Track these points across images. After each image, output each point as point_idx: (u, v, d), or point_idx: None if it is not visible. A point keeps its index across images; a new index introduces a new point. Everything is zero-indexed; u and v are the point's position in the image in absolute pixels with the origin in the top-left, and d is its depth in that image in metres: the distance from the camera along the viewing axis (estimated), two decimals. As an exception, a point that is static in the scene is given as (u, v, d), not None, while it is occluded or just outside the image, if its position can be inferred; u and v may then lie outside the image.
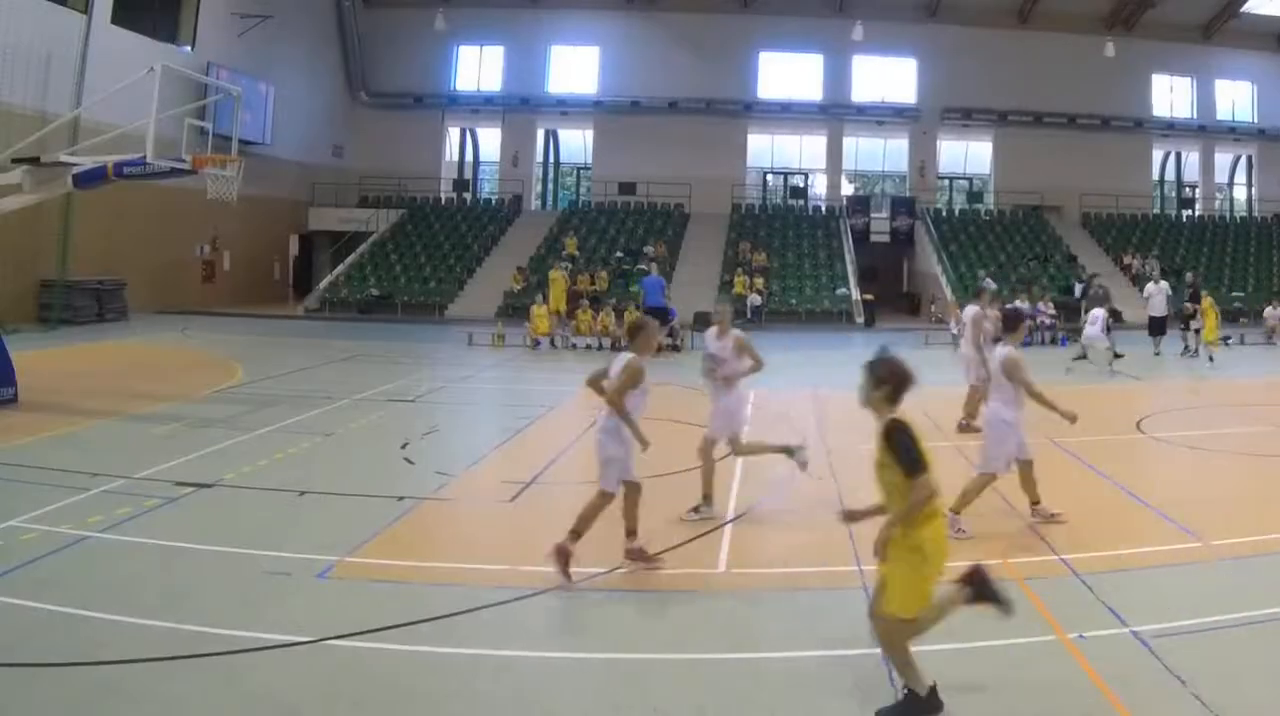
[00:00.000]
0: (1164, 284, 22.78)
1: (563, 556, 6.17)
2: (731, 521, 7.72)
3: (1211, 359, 19.15)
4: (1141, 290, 24.88)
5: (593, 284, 27.99)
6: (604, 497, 6.45)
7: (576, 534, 6.28)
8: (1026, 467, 7.68)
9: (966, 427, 11.65)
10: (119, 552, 6.68)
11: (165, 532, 7.12)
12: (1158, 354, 21.08)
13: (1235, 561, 6.57)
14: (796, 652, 5.21)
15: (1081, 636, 5.28)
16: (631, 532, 6.54)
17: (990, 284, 25.53)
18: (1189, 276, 23.69)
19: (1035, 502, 7.68)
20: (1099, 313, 17.82)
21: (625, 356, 6.66)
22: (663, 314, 22.51)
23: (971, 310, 12.56)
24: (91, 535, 6.97)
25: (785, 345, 22.39)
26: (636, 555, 6.50)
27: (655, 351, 7.40)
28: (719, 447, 8.13)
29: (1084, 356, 18.06)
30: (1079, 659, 5.03)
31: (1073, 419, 7.45)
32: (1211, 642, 5.22)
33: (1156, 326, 21.49)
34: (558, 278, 24.25)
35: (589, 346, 21.97)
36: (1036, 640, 5.30)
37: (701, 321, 21.72)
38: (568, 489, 9.17)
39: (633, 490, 6.58)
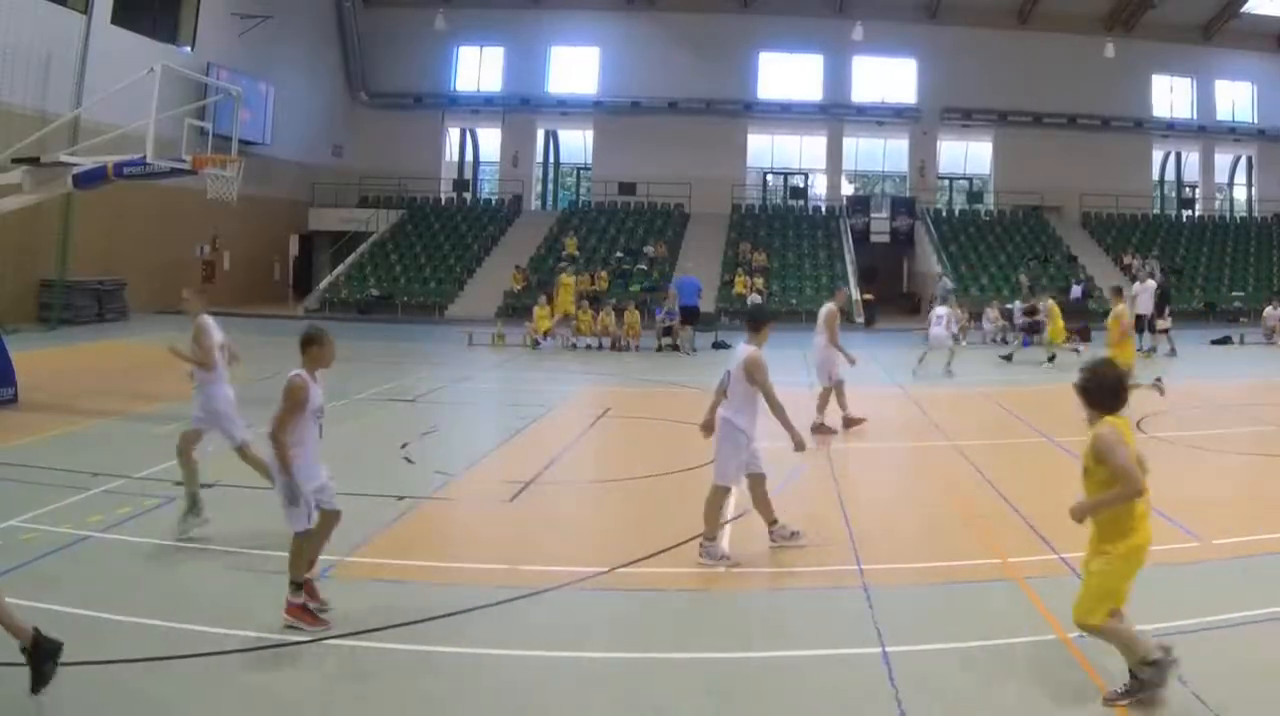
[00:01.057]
0: (1150, 283, 22.87)
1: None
2: (731, 521, 7.72)
3: (1052, 359, 18.93)
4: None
5: (593, 284, 27.98)
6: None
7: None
8: (758, 482, 6.84)
9: (820, 428, 11.20)
10: (119, 552, 6.68)
11: (165, 532, 7.12)
12: (1148, 349, 21.23)
13: (1235, 561, 6.58)
14: (797, 652, 5.21)
15: (1082, 636, 5.28)
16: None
17: (948, 283, 25.52)
18: (1153, 269, 23.71)
19: (772, 523, 6.86)
20: (943, 311, 17.33)
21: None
22: (695, 313, 22.60)
23: (828, 308, 12.18)
24: (91, 535, 6.98)
25: (785, 345, 22.40)
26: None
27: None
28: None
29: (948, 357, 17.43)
30: (1079, 658, 5.03)
31: (800, 446, 6.78)
32: (1211, 642, 5.22)
33: (1145, 324, 21.66)
34: (569, 282, 24.27)
35: (589, 346, 21.97)
36: (1036, 640, 5.30)
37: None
38: (568, 489, 9.19)
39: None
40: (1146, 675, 4.44)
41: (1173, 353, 20.46)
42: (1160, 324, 20.80)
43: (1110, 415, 4.68)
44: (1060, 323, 19.74)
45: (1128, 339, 13.94)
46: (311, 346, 5.69)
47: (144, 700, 4.60)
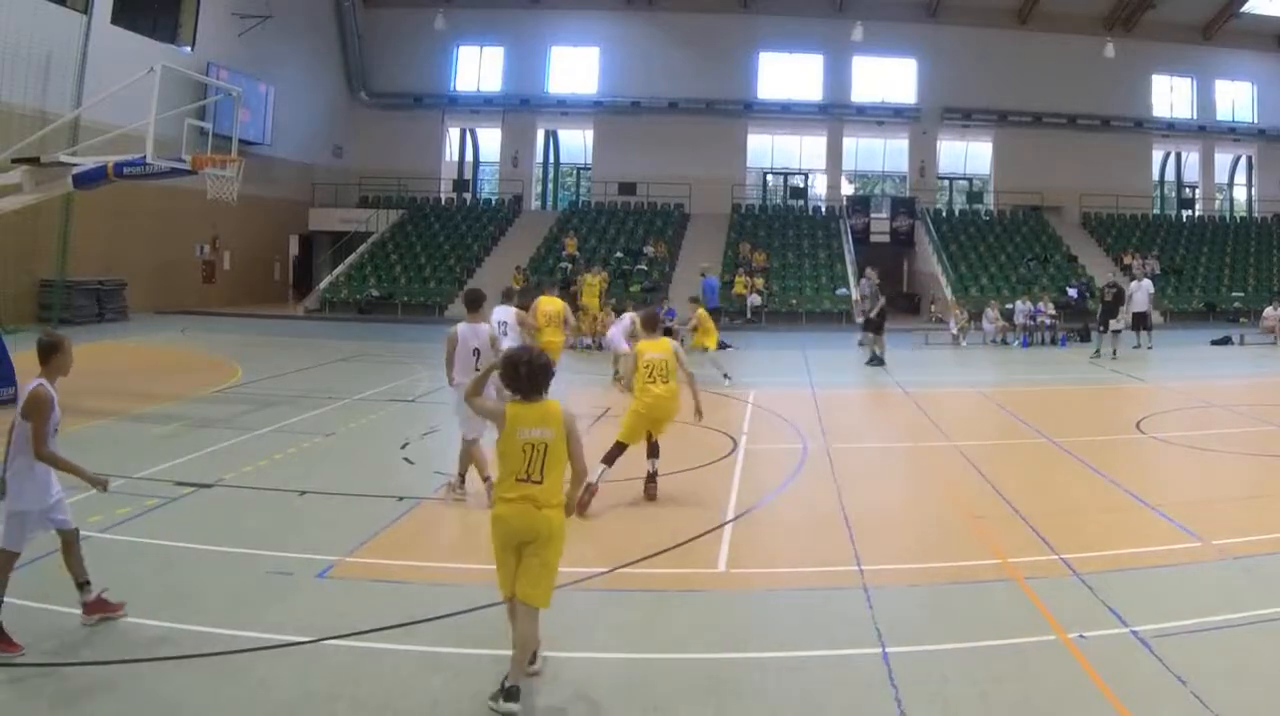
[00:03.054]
0: (1147, 282, 22.99)
1: None
2: (731, 521, 7.72)
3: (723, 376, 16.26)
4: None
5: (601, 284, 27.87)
6: None
7: None
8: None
9: None
10: (119, 552, 6.68)
11: (165, 532, 7.12)
12: (1138, 347, 21.51)
13: (1235, 561, 6.57)
14: (796, 652, 5.21)
15: (1082, 636, 5.28)
16: None
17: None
18: (1111, 276, 23.70)
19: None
20: (627, 317, 15.56)
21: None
22: (716, 314, 22.71)
23: (626, 320, 12.36)
24: (91, 535, 6.96)
25: (785, 345, 22.41)
26: None
27: None
28: None
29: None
30: (1079, 659, 5.03)
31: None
32: (1211, 642, 5.22)
33: (1139, 321, 22.07)
34: (594, 282, 24.28)
35: (589, 346, 21.97)
36: (1036, 640, 5.30)
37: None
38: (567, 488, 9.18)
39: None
40: None
41: (1114, 355, 20.43)
42: (1113, 325, 20.89)
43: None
44: (712, 329, 16.97)
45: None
46: (55, 354, 5.34)
47: (145, 700, 4.61)
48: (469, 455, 8.20)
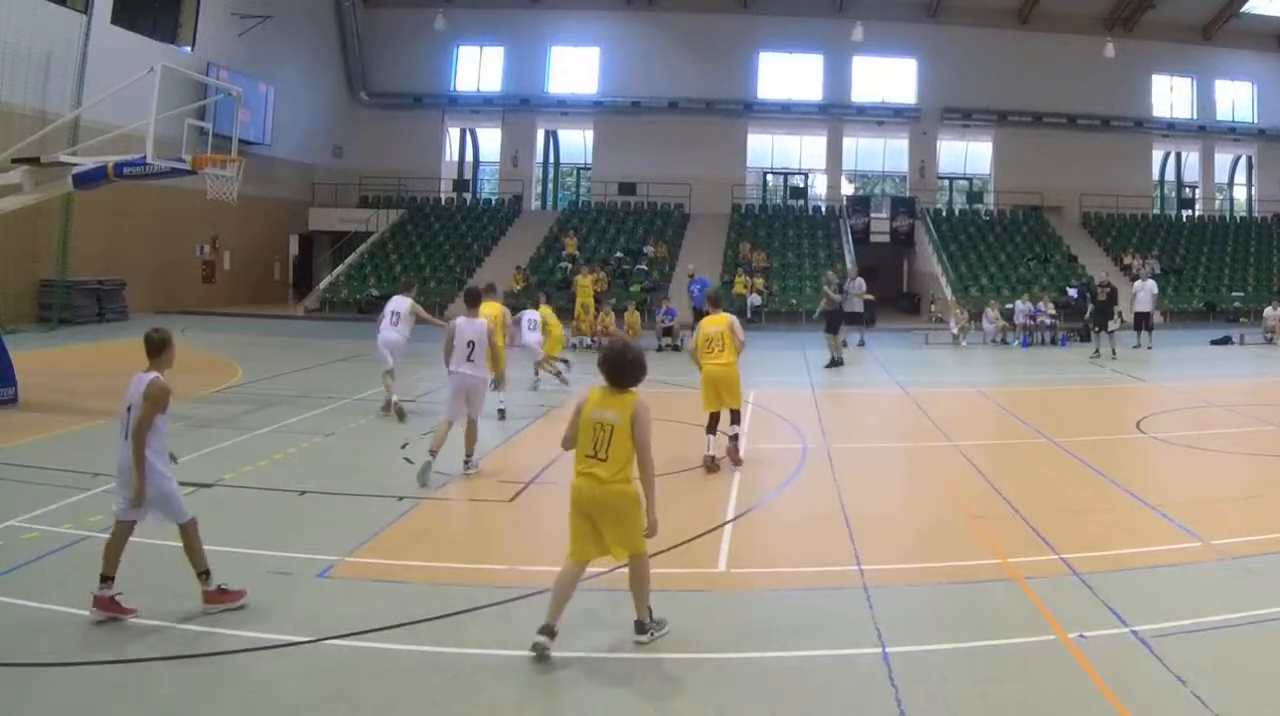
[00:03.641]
0: (1150, 283, 23.05)
1: None
2: (731, 521, 7.72)
3: (544, 379, 15.56)
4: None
5: (597, 284, 27.92)
6: None
7: None
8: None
9: None
10: (119, 552, 6.67)
11: (165, 532, 7.08)
12: (1138, 347, 21.51)
13: (1235, 561, 6.57)
14: (796, 652, 5.21)
15: (1082, 636, 5.28)
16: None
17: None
18: (1105, 275, 23.73)
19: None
20: (532, 314, 15.31)
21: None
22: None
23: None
24: (92, 535, 6.97)
25: (785, 345, 22.40)
26: None
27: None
28: None
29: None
30: (1079, 659, 5.03)
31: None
32: (1211, 642, 5.22)
33: (1140, 321, 22.09)
34: (587, 282, 24.32)
35: (589, 346, 21.97)
36: (1036, 640, 5.30)
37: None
38: (567, 489, 9.18)
39: None
40: None
41: (1114, 355, 20.43)
42: (1110, 325, 20.91)
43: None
44: (558, 332, 15.67)
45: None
46: (166, 349, 5.73)
47: (144, 700, 4.61)
48: (467, 435, 9.29)
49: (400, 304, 12.80)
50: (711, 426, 9.54)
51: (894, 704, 4.58)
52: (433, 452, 8.85)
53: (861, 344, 21.80)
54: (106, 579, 5.50)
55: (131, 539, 6.91)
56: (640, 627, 5.29)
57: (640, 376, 5.37)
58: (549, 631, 5.07)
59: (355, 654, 5.13)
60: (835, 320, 19.05)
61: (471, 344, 9.12)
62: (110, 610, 5.44)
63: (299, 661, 5.05)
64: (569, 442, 5.40)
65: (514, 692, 4.76)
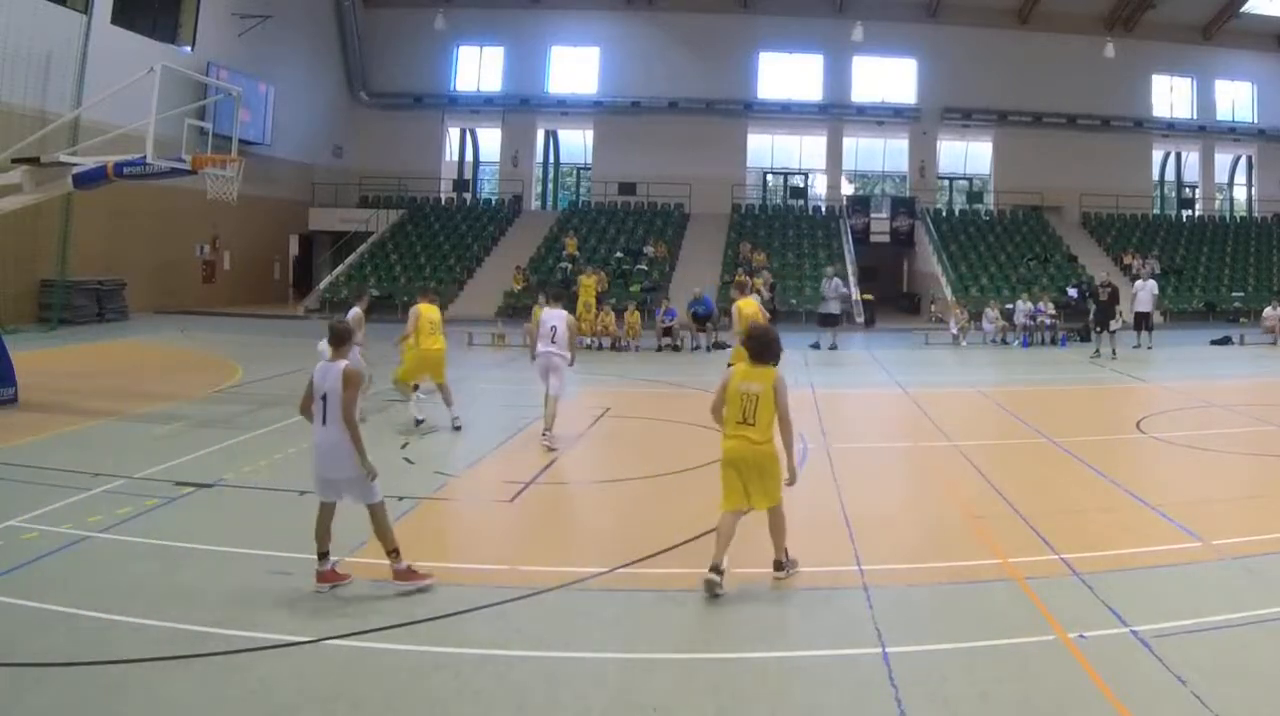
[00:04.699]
0: (1151, 283, 23.07)
1: None
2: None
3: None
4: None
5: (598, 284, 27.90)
6: None
7: None
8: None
9: None
10: (119, 552, 6.67)
11: (165, 532, 7.12)
12: (1138, 347, 21.53)
13: (1235, 561, 6.57)
14: (797, 652, 5.21)
15: (1082, 636, 5.28)
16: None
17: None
18: (1105, 275, 23.70)
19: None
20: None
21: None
22: (714, 318, 22.74)
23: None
24: (91, 535, 6.98)
25: (785, 345, 22.39)
26: None
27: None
28: None
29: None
30: (1079, 659, 5.03)
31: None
32: (1211, 642, 5.22)
33: (1140, 321, 22.12)
34: (590, 282, 24.31)
35: (589, 346, 21.96)
36: (1036, 640, 5.30)
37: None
38: (568, 489, 9.20)
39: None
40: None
41: (1114, 355, 20.42)
42: (1112, 324, 20.93)
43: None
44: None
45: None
46: (348, 342, 6.44)
47: (144, 700, 4.60)
48: (548, 410, 10.76)
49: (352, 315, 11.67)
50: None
51: (894, 704, 4.58)
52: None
53: (833, 347, 21.49)
54: (323, 555, 6.00)
55: (130, 539, 6.95)
56: (778, 566, 6.22)
57: (779, 354, 6.28)
58: (717, 570, 5.88)
59: (355, 654, 5.13)
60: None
61: (554, 328, 10.88)
62: (332, 580, 5.95)
63: (299, 661, 5.05)
64: (717, 413, 6.20)
65: (514, 692, 4.76)
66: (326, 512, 6.11)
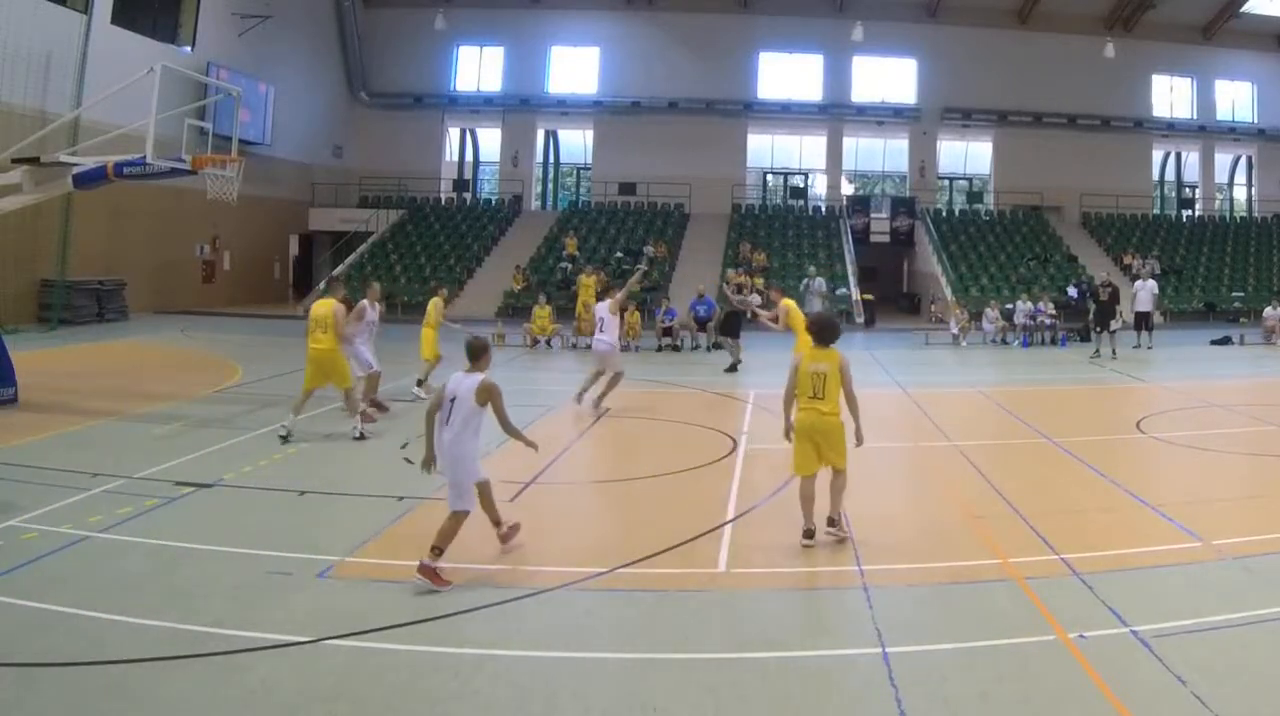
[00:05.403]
0: (1151, 283, 23.08)
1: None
2: (731, 521, 7.72)
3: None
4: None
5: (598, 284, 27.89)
6: None
7: None
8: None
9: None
10: (119, 552, 6.68)
11: (165, 532, 7.12)
12: (1138, 347, 21.53)
13: (1235, 561, 6.57)
14: (797, 652, 5.21)
15: (1082, 636, 5.28)
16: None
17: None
18: (1106, 275, 23.67)
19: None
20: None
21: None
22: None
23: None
24: (91, 535, 6.98)
25: (785, 345, 22.40)
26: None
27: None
28: None
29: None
30: (1079, 659, 5.03)
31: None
32: (1211, 642, 5.22)
33: (1141, 321, 22.13)
34: (589, 282, 24.33)
35: (589, 346, 21.94)
36: (1036, 640, 5.30)
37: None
38: (568, 489, 9.20)
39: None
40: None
41: (1114, 355, 20.42)
42: (1112, 324, 20.93)
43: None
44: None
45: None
46: (486, 353, 6.75)
47: (144, 700, 4.60)
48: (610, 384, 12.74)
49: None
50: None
51: (894, 704, 4.58)
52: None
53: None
54: (437, 549, 6.18)
55: (130, 539, 6.95)
56: (831, 522, 7.08)
57: (838, 336, 7.19)
58: (809, 533, 6.92)
59: (355, 654, 5.13)
60: (733, 322, 18.80)
61: (601, 320, 13.06)
62: (430, 577, 6.05)
63: (299, 661, 5.05)
64: (791, 392, 7.12)
65: (514, 692, 4.76)
66: (484, 489, 6.61)
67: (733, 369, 17.75)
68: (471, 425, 6.42)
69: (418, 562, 6.10)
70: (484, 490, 6.60)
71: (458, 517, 6.34)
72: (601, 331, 13.00)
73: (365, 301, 12.79)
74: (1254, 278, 31.97)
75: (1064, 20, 35.66)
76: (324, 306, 11.03)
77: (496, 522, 6.80)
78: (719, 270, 30.25)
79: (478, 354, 6.65)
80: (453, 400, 6.40)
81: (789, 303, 13.51)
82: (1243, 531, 7.22)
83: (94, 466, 8.91)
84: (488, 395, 6.39)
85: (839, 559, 6.78)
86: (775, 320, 13.43)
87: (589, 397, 12.84)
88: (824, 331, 7.20)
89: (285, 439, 10.36)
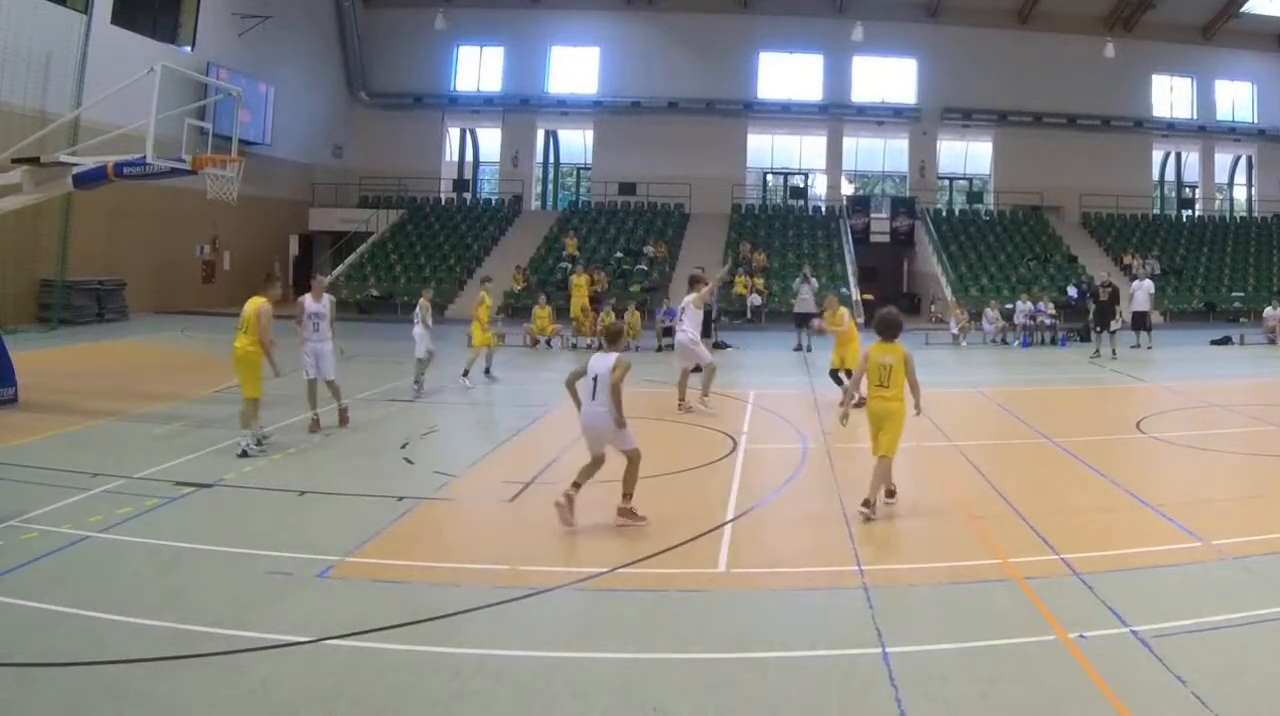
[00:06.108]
0: (1148, 283, 23.08)
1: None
2: (731, 521, 7.72)
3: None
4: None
5: (594, 284, 27.96)
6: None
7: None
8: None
9: None
10: (119, 552, 6.68)
11: (165, 532, 7.12)
12: (1136, 347, 21.53)
13: (1235, 561, 6.57)
14: (796, 652, 5.21)
15: (1082, 636, 5.28)
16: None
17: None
18: (1106, 275, 23.64)
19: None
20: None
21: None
22: (716, 318, 22.61)
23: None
24: (91, 535, 6.98)
25: (785, 345, 22.39)
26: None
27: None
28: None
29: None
30: (1079, 659, 5.03)
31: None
32: (1211, 642, 5.22)
33: (1138, 321, 22.13)
34: (580, 282, 24.33)
35: (589, 346, 21.96)
36: (1036, 640, 5.30)
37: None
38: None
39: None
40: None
41: (1114, 355, 20.41)
42: (1112, 325, 20.94)
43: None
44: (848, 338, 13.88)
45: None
46: (621, 337, 8.01)
47: (144, 700, 4.60)
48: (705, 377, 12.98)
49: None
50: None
51: (894, 704, 4.58)
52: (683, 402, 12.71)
53: (808, 349, 21.27)
54: (627, 494, 7.54)
55: (130, 539, 6.96)
56: (866, 503, 7.65)
57: (901, 331, 7.95)
58: (868, 503, 7.66)
59: (355, 654, 5.13)
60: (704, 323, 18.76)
61: (683, 312, 13.29)
62: (629, 518, 7.48)
63: (299, 661, 5.05)
64: (858, 381, 8.15)
65: (514, 692, 4.76)
66: (595, 464, 7.65)
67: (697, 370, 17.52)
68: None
69: (616, 509, 7.42)
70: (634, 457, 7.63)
71: (633, 458, 7.51)
72: (682, 325, 13.09)
73: (306, 297, 11.92)
74: (1254, 278, 31.96)
75: (1064, 20, 35.65)
76: (250, 304, 10.67)
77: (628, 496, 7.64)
78: (719, 270, 30.26)
79: (615, 337, 7.89)
80: (594, 378, 7.52)
81: (843, 310, 14.17)
82: (1243, 531, 7.22)
83: (94, 466, 8.91)
84: (623, 370, 7.47)
85: (839, 559, 6.78)
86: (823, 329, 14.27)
87: (700, 398, 12.89)
88: (889, 328, 7.99)
89: (254, 450, 9.81)
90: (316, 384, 11.44)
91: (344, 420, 11.54)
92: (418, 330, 14.84)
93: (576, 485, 7.48)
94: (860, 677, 4.89)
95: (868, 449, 7.61)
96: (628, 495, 7.52)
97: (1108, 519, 7.78)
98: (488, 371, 16.10)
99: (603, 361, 7.59)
